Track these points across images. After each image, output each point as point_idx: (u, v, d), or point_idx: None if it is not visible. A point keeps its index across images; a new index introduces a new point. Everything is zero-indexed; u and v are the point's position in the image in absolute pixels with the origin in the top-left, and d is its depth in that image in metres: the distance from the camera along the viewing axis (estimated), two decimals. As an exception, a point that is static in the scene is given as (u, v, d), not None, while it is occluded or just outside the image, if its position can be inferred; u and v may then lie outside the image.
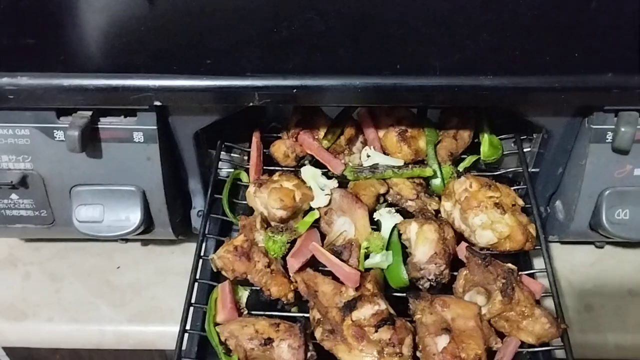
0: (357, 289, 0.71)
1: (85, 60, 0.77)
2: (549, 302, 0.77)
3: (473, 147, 0.93)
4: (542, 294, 0.77)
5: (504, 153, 0.92)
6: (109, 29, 0.82)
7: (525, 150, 0.91)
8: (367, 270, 0.76)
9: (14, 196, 0.84)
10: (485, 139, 0.91)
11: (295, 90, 0.72)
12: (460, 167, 0.90)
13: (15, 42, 0.79)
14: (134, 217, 0.82)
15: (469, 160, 0.90)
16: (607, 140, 0.78)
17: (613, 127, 0.76)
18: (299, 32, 0.79)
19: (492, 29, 0.80)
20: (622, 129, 0.75)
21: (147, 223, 0.84)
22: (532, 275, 0.80)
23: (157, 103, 0.74)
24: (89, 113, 0.76)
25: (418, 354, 0.68)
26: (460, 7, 0.84)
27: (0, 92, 0.74)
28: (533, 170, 0.89)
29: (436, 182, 0.86)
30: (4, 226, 0.87)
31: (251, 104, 0.74)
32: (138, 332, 0.87)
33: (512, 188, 0.83)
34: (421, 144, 0.89)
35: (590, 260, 0.93)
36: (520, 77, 0.73)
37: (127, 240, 0.94)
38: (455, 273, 0.77)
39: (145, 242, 0.97)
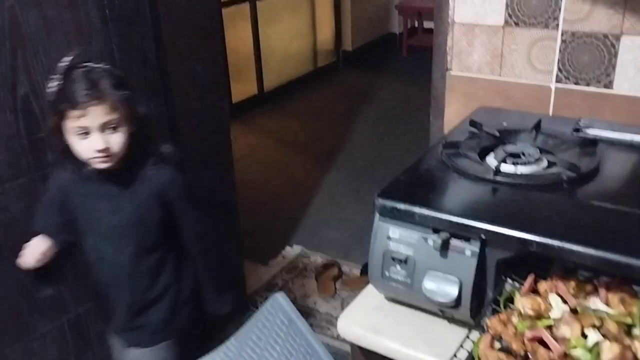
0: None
1: (447, 206, 1.57)
2: None
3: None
4: None
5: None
6: (465, 196, 1.63)
7: None
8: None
9: (397, 267, 1.64)
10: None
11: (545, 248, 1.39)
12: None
13: (417, 192, 1.64)
14: (453, 293, 1.53)
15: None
16: None
17: None
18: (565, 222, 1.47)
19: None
20: None
21: (458, 301, 1.54)
22: None
23: (482, 237, 1.48)
24: (447, 234, 1.53)
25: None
26: None
27: (403, 214, 1.55)
28: None
29: (636, 331, 1.37)
30: (387, 283, 1.67)
31: (527, 250, 1.42)
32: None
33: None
34: (634, 309, 1.41)
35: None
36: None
37: (442, 313, 1.65)
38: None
39: (450, 321, 1.66)
